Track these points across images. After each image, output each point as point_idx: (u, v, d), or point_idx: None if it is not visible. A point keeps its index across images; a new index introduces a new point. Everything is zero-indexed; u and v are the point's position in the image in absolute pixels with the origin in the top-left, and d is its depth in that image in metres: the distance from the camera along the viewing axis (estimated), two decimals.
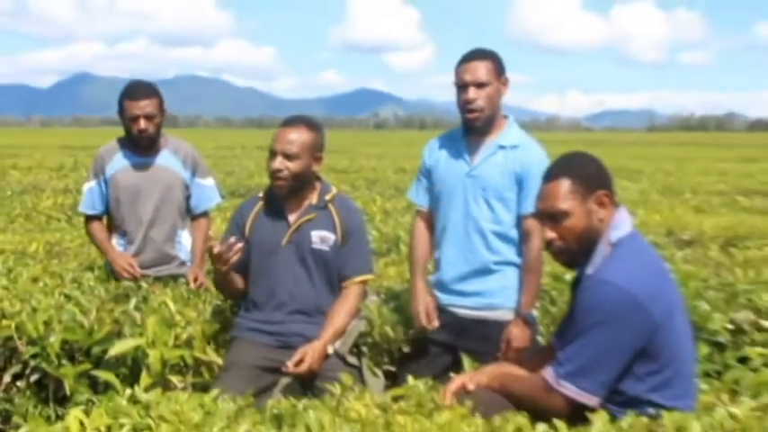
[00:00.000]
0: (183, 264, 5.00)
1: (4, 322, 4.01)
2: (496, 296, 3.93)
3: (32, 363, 3.94)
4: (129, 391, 3.01)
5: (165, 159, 4.93)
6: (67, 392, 3.82)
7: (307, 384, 3.78)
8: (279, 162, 3.90)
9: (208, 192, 5.08)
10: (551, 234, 2.95)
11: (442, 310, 4.03)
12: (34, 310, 4.07)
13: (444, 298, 4.03)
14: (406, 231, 5.63)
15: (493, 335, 3.82)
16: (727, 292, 4.70)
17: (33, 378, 3.96)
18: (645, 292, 2.76)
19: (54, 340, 3.89)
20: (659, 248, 7.03)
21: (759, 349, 3.99)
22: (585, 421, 2.62)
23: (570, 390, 2.77)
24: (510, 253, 3.92)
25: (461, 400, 2.87)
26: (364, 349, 4.04)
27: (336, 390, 3.02)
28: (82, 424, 2.66)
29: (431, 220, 4.16)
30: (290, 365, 3.75)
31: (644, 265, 2.88)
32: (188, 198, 5.02)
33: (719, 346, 4.12)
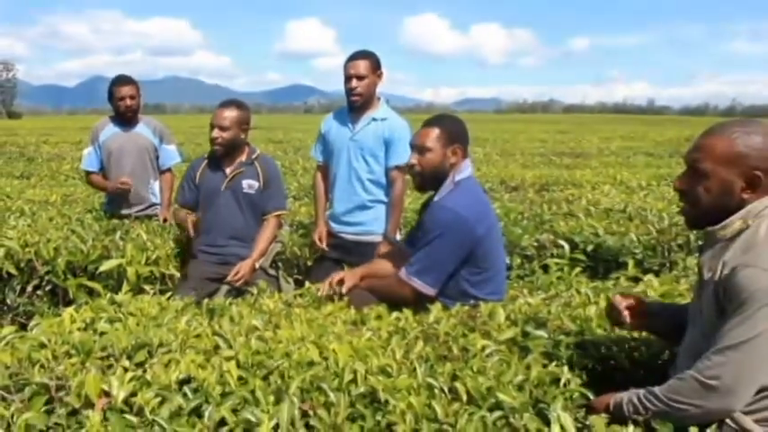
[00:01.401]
0: (155, 206, 4.88)
1: (27, 249, 3.87)
2: (371, 225, 3.90)
3: (46, 277, 3.83)
4: (110, 295, 2.93)
5: (141, 129, 4.86)
6: (71, 297, 3.71)
7: (240, 290, 3.73)
8: (215, 132, 3.88)
9: (171, 154, 4.98)
10: (414, 161, 2.93)
11: (334, 235, 3.99)
12: (48, 240, 3.94)
13: (336, 226, 3.99)
14: None
15: (369, 253, 3.79)
16: (536, 221, 4.78)
17: (47, 288, 3.84)
18: (471, 215, 2.77)
19: (61, 261, 3.79)
20: (493, 192, 7.16)
21: (555, 260, 4.08)
22: (427, 310, 2.63)
23: (416, 283, 2.78)
24: (380, 194, 3.90)
25: (340, 298, 2.85)
26: (280, 264, 3.99)
27: (255, 291, 2.97)
28: (73, 318, 2.57)
29: (326, 171, 4.10)
30: (230, 276, 3.71)
31: (473, 198, 2.88)
32: (157, 158, 4.91)
33: (528, 258, 4.18)
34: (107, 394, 1.87)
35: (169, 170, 4.97)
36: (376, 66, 3.85)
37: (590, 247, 4.21)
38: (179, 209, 4.08)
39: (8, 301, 3.74)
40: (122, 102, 4.68)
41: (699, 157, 1.82)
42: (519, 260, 4.13)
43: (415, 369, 2.00)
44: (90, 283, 3.73)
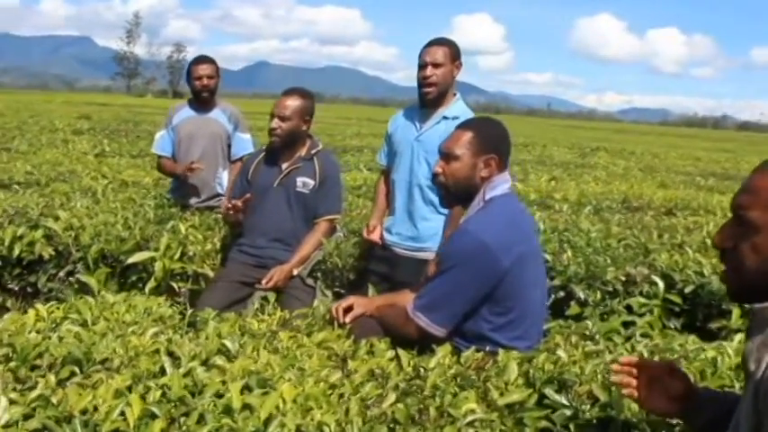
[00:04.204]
0: (220, 197, 4.70)
1: (67, 233, 3.79)
2: (426, 241, 3.44)
3: (78, 264, 3.72)
4: (102, 292, 2.74)
5: (216, 115, 4.71)
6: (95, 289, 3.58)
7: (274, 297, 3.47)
8: (275, 122, 3.61)
9: (245, 143, 4.77)
10: (439, 168, 2.50)
11: (385, 247, 3.60)
12: (91, 224, 3.85)
13: (388, 238, 3.57)
14: None
15: (421, 270, 3.40)
16: (636, 250, 4.18)
17: (78, 275, 3.72)
18: (498, 243, 2.29)
19: (94, 248, 3.66)
20: (610, 211, 6.49)
21: (640, 299, 3.52)
22: (433, 352, 2.22)
23: (422, 320, 2.34)
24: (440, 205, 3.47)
25: (346, 323, 2.49)
26: (319, 274, 3.66)
27: (255, 307, 2.68)
28: (40, 317, 2.39)
29: (390, 176, 3.71)
30: (262, 282, 3.46)
31: (505, 221, 2.38)
32: (230, 146, 4.74)
33: (611, 294, 3.62)
34: None
35: (241, 160, 4.78)
36: (455, 54, 3.44)
37: (689, 288, 3.58)
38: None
39: (39, 285, 3.67)
40: (199, 81, 4.55)
41: (746, 202, 1.31)
42: (600, 295, 3.58)
43: None
44: (82, 277, 3.57)
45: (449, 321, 2.34)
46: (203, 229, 3.98)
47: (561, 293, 3.66)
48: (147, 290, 3.40)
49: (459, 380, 1.99)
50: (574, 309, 3.53)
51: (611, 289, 3.61)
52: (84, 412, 1.67)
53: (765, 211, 1.28)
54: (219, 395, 1.74)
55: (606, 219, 5.61)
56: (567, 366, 2.14)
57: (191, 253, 3.66)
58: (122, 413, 1.63)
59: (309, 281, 3.57)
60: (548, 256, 3.75)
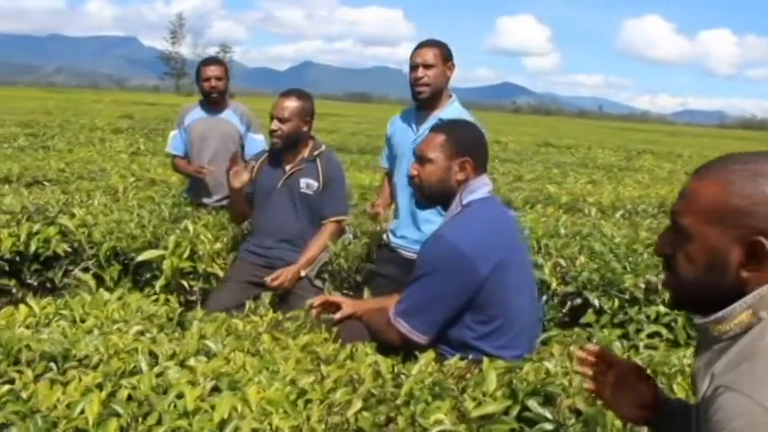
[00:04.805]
0: None
1: (80, 230, 3.85)
2: None
3: (91, 261, 3.77)
4: (101, 289, 2.77)
5: (227, 115, 4.74)
6: (107, 284, 3.61)
7: (283, 298, 3.48)
8: (275, 124, 3.61)
9: (257, 143, 4.75)
10: (414, 171, 2.48)
11: (392, 250, 3.57)
12: (105, 222, 3.90)
13: (395, 241, 3.56)
14: None
15: None
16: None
17: (92, 273, 3.78)
18: (475, 249, 2.25)
19: (106, 246, 3.71)
20: (644, 214, 6.31)
21: (661, 308, 3.41)
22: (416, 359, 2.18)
23: (402, 326, 2.31)
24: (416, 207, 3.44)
25: (331, 324, 2.47)
26: (326, 276, 3.65)
27: (249, 308, 2.68)
28: (31, 312, 2.43)
29: (392, 179, 3.69)
30: (268, 280, 3.47)
31: (483, 226, 2.34)
32: (242, 147, 4.75)
33: (630, 302, 3.51)
34: None
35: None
36: (447, 56, 3.43)
37: None
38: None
39: (56, 281, 3.73)
40: (207, 82, 4.58)
41: (680, 208, 1.23)
42: (618, 303, 3.47)
43: None
44: (80, 275, 3.61)
45: (429, 328, 2.30)
46: (216, 229, 4.00)
47: (578, 300, 3.59)
48: (157, 287, 3.43)
49: (437, 389, 1.94)
50: (589, 317, 3.44)
51: (629, 297, 3.51)
52: (49, 408, 1.68)
53: (697, 219, 1.19)
54: (182, 396, 1.73)
55: (636, 223, 5.47)
56: (554, 378, 2.08)
57: (200, 252, 3.67)
58: (83, 411, 1.64)
59: (317, 282, 3.58)
60: (562, 261, 3.68)
